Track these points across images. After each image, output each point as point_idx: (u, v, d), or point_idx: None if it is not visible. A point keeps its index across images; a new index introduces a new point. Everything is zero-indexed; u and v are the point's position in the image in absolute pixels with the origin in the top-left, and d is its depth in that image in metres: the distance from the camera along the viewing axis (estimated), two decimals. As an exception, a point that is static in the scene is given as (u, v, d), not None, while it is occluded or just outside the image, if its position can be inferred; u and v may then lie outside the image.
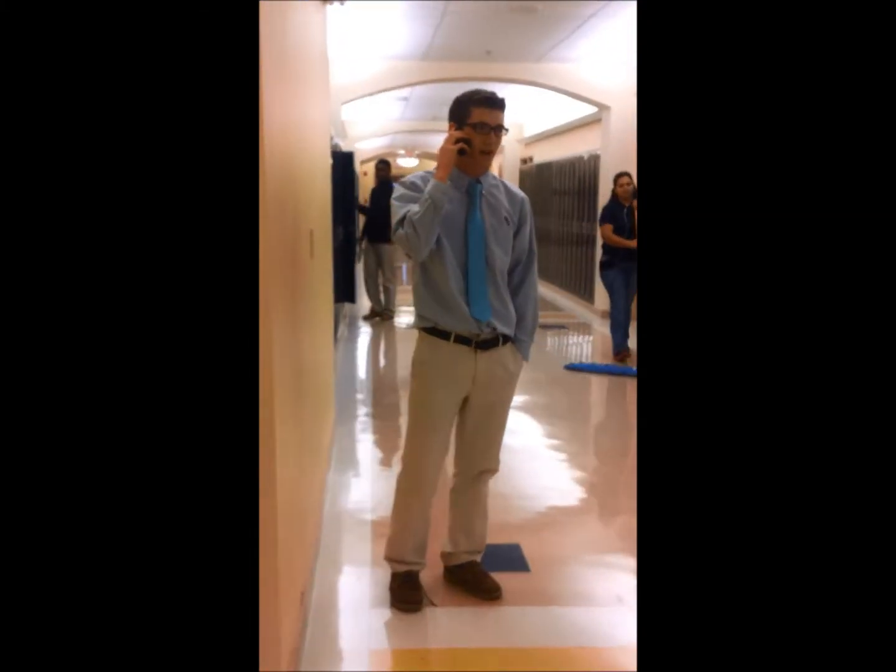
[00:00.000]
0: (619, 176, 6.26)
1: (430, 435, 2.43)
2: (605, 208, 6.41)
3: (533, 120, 12.62)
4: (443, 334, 2.38)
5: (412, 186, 2.36)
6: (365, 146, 16.61)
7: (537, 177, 12.00)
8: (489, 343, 2.40)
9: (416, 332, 2.46)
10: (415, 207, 2.26)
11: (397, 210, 2.31)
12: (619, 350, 6.34)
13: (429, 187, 2.25)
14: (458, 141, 2.29)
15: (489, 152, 2.34)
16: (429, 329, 2.40)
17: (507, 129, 2.37)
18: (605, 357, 6.66)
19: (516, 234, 2.45)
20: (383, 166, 8.24)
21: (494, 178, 2.46)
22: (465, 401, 2.45)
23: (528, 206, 2.50)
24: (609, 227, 6.19)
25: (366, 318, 8.31)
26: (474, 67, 7.93)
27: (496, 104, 2.32)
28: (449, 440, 2.48)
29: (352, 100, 8.09)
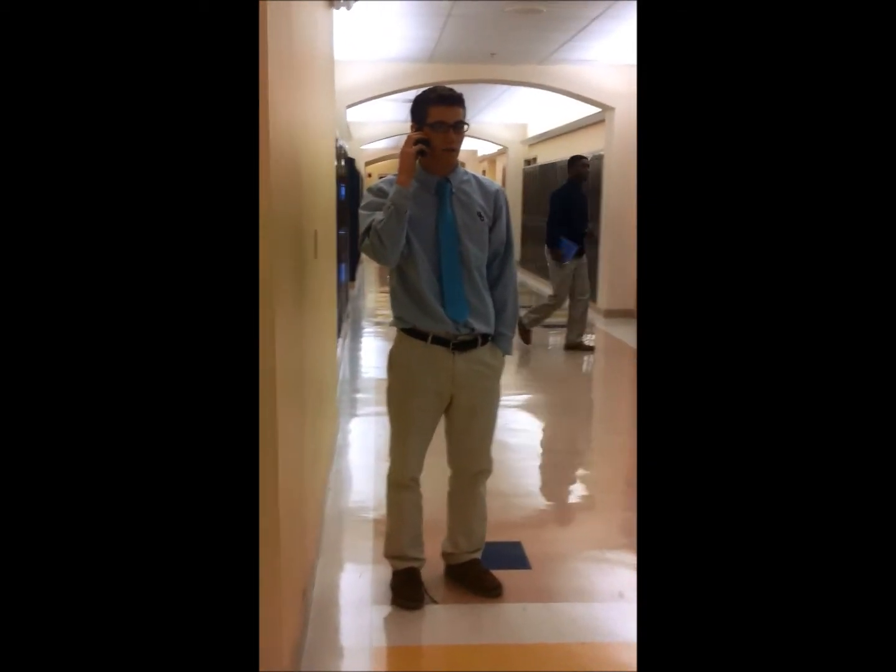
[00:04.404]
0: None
1: (409, 434, 2.43)
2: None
3: (537, 121, 12.63)
4: (420, 335, 2.37)
5: (379, 192, 2.33)
6: (370, 147, 16.65)
7: (541, 177, 11.99)
8: (467, 344, 2.38)
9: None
10: (379, 216, 2.23)
11: (364, 219, 2.28)
12: None
13: (391, 194, 2.23)
14: (416, 142, 2.26)
15: (451, 150, 2.31)
16: (407, 329, 2.40)
17: (468, 125, 2.33)
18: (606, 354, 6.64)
19: (492, 227, 2.41)
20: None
21: (465, 173, 2.43)
22: (451, 401, 2.43)
23: (503, 198, 2.46)
24: None
25: None
26: (479, 69, 7.95)
27: (453, 101, 2.28)
28: (432, 430, 2.47)
29: (357, 102, 8.11)
